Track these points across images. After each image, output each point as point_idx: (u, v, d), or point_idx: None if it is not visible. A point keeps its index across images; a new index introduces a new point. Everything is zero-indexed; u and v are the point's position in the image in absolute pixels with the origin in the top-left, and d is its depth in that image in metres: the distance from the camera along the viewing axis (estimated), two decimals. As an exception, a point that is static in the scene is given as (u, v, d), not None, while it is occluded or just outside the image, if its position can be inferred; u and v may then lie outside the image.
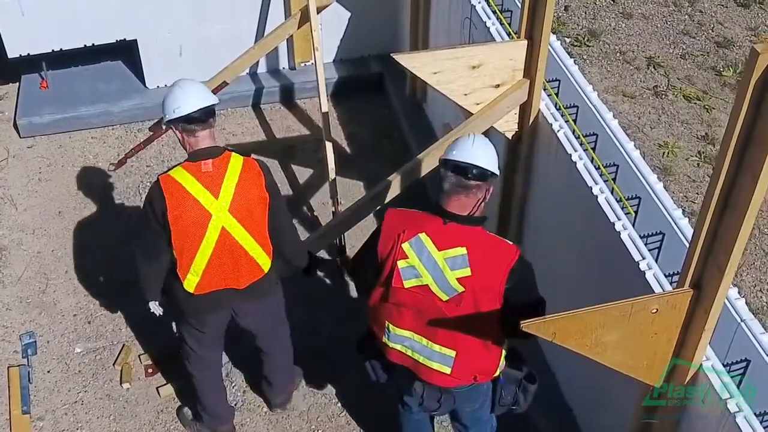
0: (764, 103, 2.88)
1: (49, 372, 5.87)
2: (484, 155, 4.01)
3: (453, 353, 4.12)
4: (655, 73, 8.59)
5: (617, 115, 7.94)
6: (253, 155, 4.73)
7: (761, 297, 6.40)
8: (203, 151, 4.55)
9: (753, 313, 6.14)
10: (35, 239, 6.77)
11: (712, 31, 9.11)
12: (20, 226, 6.89)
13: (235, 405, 5.69)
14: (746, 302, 6.24)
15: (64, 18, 7.25)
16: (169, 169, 4.59)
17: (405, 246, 4.03)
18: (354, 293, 6.24)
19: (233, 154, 4.61)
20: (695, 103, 8.19)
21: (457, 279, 3.95)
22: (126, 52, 8.01)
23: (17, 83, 8.09)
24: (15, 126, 7.76)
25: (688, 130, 7.91)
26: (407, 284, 4.04)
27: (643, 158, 7.45)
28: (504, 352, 4.22)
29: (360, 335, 4.61)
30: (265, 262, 4.78)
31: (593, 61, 8.76)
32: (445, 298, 3.99)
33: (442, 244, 3.99)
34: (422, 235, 4.01)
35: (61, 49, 7.44)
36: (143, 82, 7.98)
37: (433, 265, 3.98)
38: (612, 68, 8.67)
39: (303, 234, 6.73)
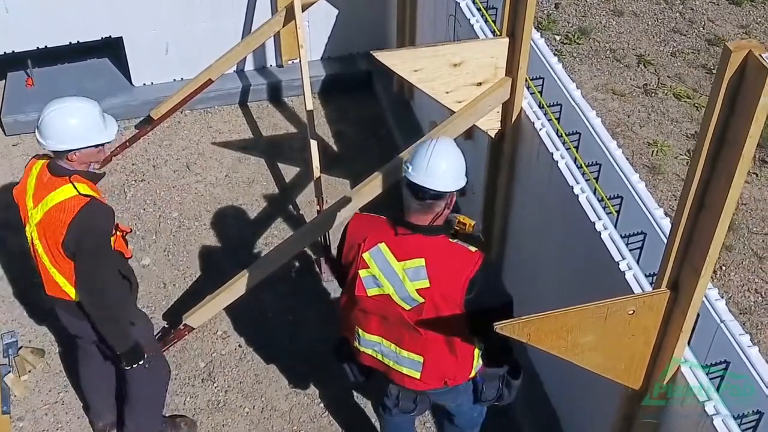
0: (738, 101, 2.84)
1: (29, 372, 5.82)
2: (440, 174, 3.87)
3: (421, 359, 4.10)
4: (645, 71, 8.54)
5: (607, 114, 7.95)
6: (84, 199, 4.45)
7: (749, 297, 6.36)
8: (53, 163, 4.52)
9: (741, 313, 6.20)
10: (18, 237, 6.67)
11: (703, 29, 9.06)
12: (3, 224, 6.83)
13: (217, 405, 5.66)
14: (734, 302, 6.32)
15: (49, 15, 7.21)
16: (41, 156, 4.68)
17: (365, 255, 4.00)
18: (337, 293, 6.26)
19: (68, 186, 4.44)
20: (685, 102, 8.14)
21: (417, 290, 3.91)
22: (112, 49, 7.96)
23: (3, 81, 8.05)
24: (0, 124, 7.70)
25: (678, 129, 7.86)
26: (370, 293, 4.02)
27: (632, 156, 7.54)
28: (477, 354, 4.18)
29: (335, 339, 4.59)
30: (70, 290, 4.65)
31: (583, 59, 8.72)
32: (407, 307, 3.97)
33: (401, 255, 3.94)
34: (382, 246, 3.97)
35: (46, 47, 7.40)
36: (129, 79, 7.93)
37: (393, 275, 3.95)
38: (602, 66, 8.63)
39: (287, 232, 6.71)
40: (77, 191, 4.41)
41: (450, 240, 3.98)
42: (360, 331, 4.20)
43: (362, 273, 4.01)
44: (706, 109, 2.95)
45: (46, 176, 4.50)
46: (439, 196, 3.89)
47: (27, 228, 4.62)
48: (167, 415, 5.50)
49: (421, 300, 3.91)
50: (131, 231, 4.96)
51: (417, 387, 4.25)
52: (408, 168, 3.91)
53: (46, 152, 4.57)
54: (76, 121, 4.39)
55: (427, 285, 3.89)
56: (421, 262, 3.90)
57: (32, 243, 4.63)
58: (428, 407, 4.51)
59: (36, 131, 4.44)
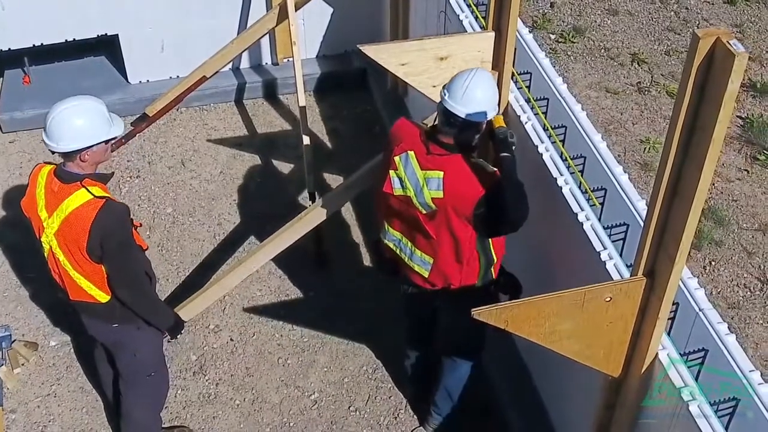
0: (707, 87, 2.89)
1: (22, 365, 5.87)
2: (472, 103, 4.28)
3: (431, 260, 4.58)
4: (639, 70, 8.57)
5: (600, 111, 7.98)
6: (104, 201, 4.36)
7: (738, 291, 6.38)
8: (61, 170, 4.42)
9: (729, 308, 6.23)
10: (13, 233, 6.76)
11: (698, 28, 9.07)
12: (-2, 220, 6.92)
13: (208, 397, 5.70)
14: (723, 297, 6.34)
15: (45, 13, 7.28)
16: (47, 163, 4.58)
17: (396, 158, 4.49)
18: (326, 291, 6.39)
19: (81, 191, 4.35)
20: (678, 99, 8.15)
21: (432, 198, 4.36)
22: (108, 47, 8.02)
23: (0, 79, 8.10)
24: (-3, 121, 7.76)
25: (671, 126, 7.88)
26: (395, 192, 4.51)
27: (625, 153, 7.58)
28: (485, 264, 4.53)
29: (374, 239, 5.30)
30: (96, 293, 4.58)
31: (577, 57, 8.75)
32: (423, 211, 4.43)
33: (425, 165, 4.40)
34: (411, 153, 4.44)
35: (42, 44, 7.46)
36: (125, 77, 7.99)
37: (415, 181, 4.42)
38: (596, 64, 8.66)
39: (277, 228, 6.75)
40: (92, 194, 4.33)
41: (470, 159, 4.41)
42: (386, 225, 4.75)
43: (391, 173, 4.50)
44: (677, 97, 2.99)
45: (55, 185, 4.39)
46: (468, 123, 4.32)
47: (43, 238, 4.51)
48: (165, 425, 5.50)
49: (435, 207, 4.36)
50: (141, 225, 4.99)
51: (424, 285, 4.72)
52: (445, 94, 4.35)
53: (53, 159, 4.50)
54: (86, 118, 4.34)
55: (441, 196, 4.34)
56: (440, 174, 4.34)
57: (51, 252, 4.53)
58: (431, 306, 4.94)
59: (44, 136, 4.35)
